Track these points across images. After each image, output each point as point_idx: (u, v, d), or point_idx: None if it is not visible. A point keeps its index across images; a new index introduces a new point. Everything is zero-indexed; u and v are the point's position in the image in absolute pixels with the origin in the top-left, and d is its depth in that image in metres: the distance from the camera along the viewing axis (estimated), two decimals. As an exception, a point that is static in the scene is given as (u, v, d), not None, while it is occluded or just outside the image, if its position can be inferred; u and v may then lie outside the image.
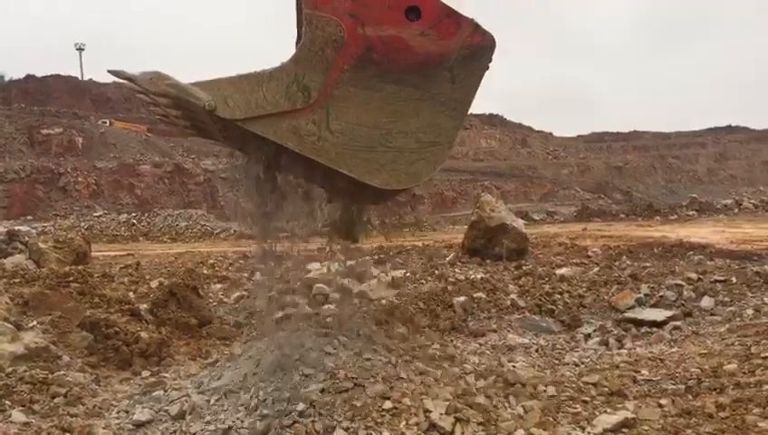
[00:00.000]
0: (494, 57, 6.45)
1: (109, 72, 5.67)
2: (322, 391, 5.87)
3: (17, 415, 5.87)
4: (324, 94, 5.76)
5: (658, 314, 9.84)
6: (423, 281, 13.49)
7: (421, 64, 6.03)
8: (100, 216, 43.40)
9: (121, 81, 5.71)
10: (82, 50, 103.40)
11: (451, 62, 6.16)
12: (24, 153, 66.55)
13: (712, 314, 9.88)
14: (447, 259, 16.97)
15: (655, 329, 9.40)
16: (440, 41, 6.05)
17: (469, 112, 6.65)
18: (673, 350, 8.33)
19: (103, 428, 5.91)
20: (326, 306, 10.46)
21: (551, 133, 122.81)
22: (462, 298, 11.01)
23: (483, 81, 6.52)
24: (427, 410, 5.73)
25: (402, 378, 6.20)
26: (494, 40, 6.35)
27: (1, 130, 68.30)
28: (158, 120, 6.44)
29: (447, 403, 5.85)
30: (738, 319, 9.33)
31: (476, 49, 6.26)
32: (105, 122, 79.41)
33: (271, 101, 5.63)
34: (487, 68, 6.47)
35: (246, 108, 5.56)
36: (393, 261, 17.19)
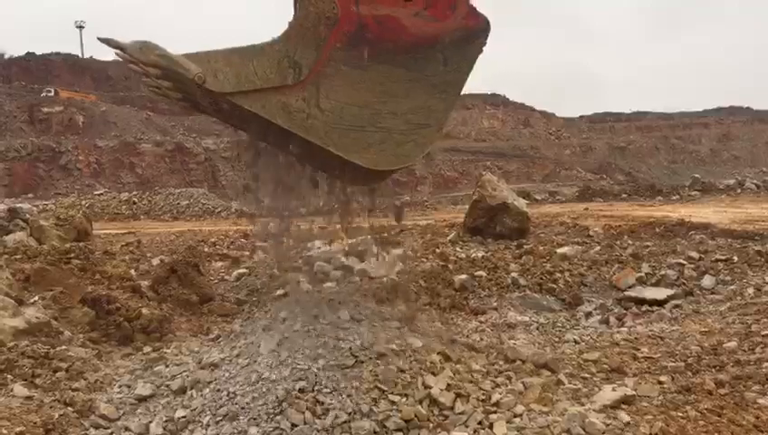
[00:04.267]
0: (488, 40, 6.39)
1: (99, 39, 5.60)
2: (323, 366, 5.87)
3: (19, 389, 5.91)
4: (315, 72, 5.69)
5: (659, 293, 9.86)
6: (424, 259, 13.50)
7: (414, 45, 5.96)
8: (101, 194, 43.37)
9: (114, 50, 5.64)
10: (82, 27, 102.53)
11: (445, 43, 6.10)
12: (24, 131, 66.46)
13: (713, 293, 9.91)
14: (448, 238, 16.97)
15: (656, 308, 9.43)
16: (434, 22, 5.98)
17: (470, 93, 6.60)
18: (673, 328, 8.35)
19: (105, 402, 5.96)
20: (327, 284, 10.48)
21: (553, 114, 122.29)
22: (463, 276, 11.02)
23: (476, 64, 6.45)
24: (427, 386, 5.74)
25: (402, 354, 6.21)
26: (488, 23, 6.28)
27: (2, 108, 68.13)
28: (151, 91, 6.36)
29: (448, 379, 5.87)
30: (739, 298, 9.35)
31: (471, 31, 6.20)
32: (50, 91, 75.08)
33: (261, 76, 5.56)
34: (481, 51, 6.41)
35: (236, 82, 5.49)
36: (393, 239, 17.19)
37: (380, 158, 6.01)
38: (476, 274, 11.41)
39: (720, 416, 5.43)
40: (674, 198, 34.07)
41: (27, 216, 18.93)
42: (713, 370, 6.51)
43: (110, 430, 5.59)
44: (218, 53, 5.55)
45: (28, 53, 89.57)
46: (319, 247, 11.89)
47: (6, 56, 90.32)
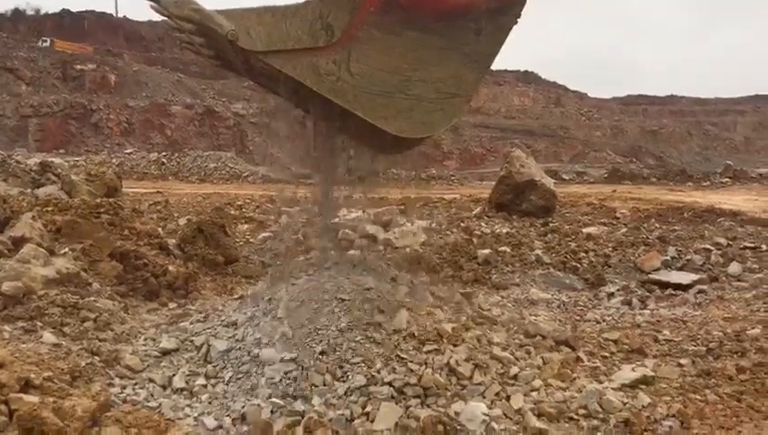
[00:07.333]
0: (522, 12, 6.29)
1: None
2: (344, 331, 5.93)
3: (48, 336, 6.02)
4: (347, 35, 5.67)
5: (684, 278, 9.78)
6: (448, 232, 13.50)
7: (448, 13, 5.90)
8: (131, 153, 43.88)
9: (149, 3, 5.65)
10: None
11: (479, 13, 6.03)
12: (57, 88, 66.90)
13: (739, 280, 9.80)
14: (474, 213, 16.94)
15: (679, 292, 9.36)
16: None
17: (501, 68, 6.52)
18: (696, 313, 8.30)
19: (130, 353, 6.08)
20: (351, 252, 10.53)
21: (585, 94, 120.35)
22: (486, 251, 11.01)
23: (509, 36, 6.37)
24: (446, 356, 5.77)
25: (423, 323, 6.25)
26: None
27: (36, 64, 68.56)
28: (184, 47, 6.39)
29: (467, 350, 5.90)
30: (765, 286, 9.24)
31: (506, 2, 6.11)
32: (45, 41, 73.87)
33: (293, 37, 5.56)
34: (516, 23, 6.32)
35: (268, 41, 5.49)
36: (419, 212, 17.21)
37: (407, 125, 5.99)
38: (500, 249, 11.40)
39: (739, 401, 5.41)
40: (704, 184, 33.63)
41: (59, 170, 19.19)
42: (734, 356, 6.46)
43: (134, 381, 5.72)
44: (252, 12, 5.55)
45: (63, 10, 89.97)
46: (344, 215, 11.95)
47: (42, 12, 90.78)
